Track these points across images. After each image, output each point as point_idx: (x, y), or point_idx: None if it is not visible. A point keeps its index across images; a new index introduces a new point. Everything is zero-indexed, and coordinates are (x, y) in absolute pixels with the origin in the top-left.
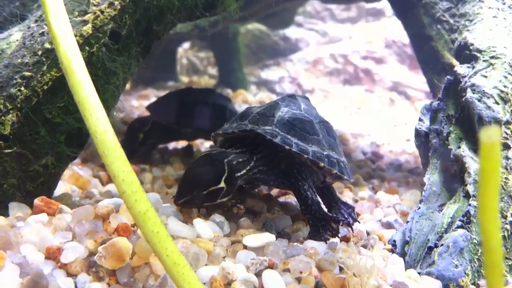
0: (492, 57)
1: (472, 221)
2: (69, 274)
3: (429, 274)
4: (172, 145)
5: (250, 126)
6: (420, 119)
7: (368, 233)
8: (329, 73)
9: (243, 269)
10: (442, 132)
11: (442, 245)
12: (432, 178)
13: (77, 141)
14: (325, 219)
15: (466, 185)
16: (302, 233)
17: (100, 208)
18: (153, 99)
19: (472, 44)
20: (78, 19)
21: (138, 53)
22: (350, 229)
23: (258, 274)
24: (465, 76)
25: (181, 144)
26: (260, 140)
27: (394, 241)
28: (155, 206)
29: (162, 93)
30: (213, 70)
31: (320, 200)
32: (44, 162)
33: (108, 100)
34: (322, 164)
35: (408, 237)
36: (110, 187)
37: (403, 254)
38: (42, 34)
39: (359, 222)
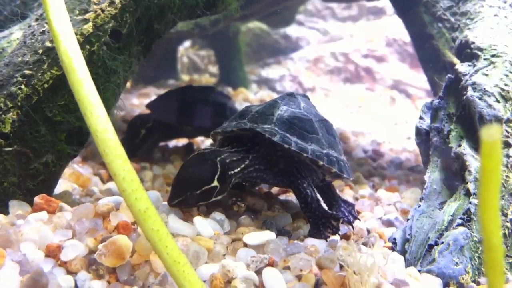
0: (493, 56)
1: (472, 219)
2: (69, 272)
3: (429, 272)
4: (172, 143)
5: (249, 125)
6: (420, 117)
7: (368, 231)
8: (330, 71)
9: (243, 267)
10: (443, 130)
11: (442, 243)
12: (432, 176)
13: (77, 139)
14: (325, 216)
15: (467, 183)
16: (303, 231)
17: (100, 206)
18: (154, 98)
19: (473, 43)
20: (78, 18)
21: (138, 51)
22: (350, 227)
23: (258, 272)
24: (466, 75)
25: (182, 142)
26: (259, 139)
27: (395, 239)
28: (156, 204)
29: (163, 91)
30: (213, 69)
31: (320, 197)
32: (44, 160)
33: (109, 98)
34: (321, 163)
35: (409, 235)
36: (111, 185)
37: (403, 252)
38: (42, 32)
39: (359, 220)
